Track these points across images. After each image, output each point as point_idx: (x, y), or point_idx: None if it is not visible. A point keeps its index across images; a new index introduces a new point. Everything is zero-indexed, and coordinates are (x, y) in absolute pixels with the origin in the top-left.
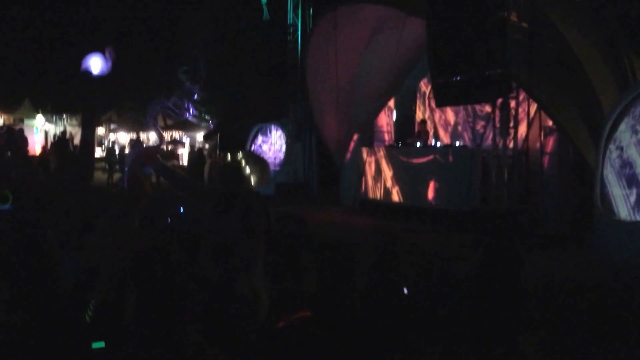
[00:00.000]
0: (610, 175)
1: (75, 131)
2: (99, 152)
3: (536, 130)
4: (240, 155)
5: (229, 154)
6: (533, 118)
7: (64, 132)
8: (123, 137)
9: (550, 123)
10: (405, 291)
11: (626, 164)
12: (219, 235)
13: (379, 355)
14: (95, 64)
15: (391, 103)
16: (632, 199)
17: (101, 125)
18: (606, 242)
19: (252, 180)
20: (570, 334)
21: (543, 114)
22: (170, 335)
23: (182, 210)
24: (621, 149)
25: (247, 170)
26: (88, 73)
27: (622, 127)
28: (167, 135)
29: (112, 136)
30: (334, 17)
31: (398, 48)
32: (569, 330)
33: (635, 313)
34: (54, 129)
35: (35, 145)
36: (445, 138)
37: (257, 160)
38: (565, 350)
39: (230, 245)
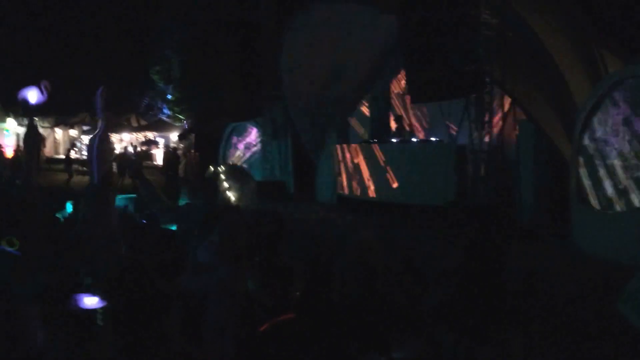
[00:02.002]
0: (585, 168)
1: (47, 133)
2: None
3: (511, 124)
4: (222, 169)
5: (211, 167)
6: (507, 112)
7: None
8: None
9: (524, 117)
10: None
11: (599, 156)
12: (202, 256)
13: (361, 354)
14: (32, 95)
15: (366, 100)
16: (607, 190)
17: (73, 127)
18: (582, 233)
19: (233, 196)
20: (550, 325)
21: (517, 108)
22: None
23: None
24: (594, 141)
25: (228, 186)
26: (25, 102)
27: (595, 120)
28: (141, 136)
29: (84, 138)
30: (308, 15)
31: (372, 45)
32: (549, 321)
33: (610, 302)
34: (25, 132)
35: (7, 148)
36: (421, 134)
37: (240, 176)
38: (547, 341)
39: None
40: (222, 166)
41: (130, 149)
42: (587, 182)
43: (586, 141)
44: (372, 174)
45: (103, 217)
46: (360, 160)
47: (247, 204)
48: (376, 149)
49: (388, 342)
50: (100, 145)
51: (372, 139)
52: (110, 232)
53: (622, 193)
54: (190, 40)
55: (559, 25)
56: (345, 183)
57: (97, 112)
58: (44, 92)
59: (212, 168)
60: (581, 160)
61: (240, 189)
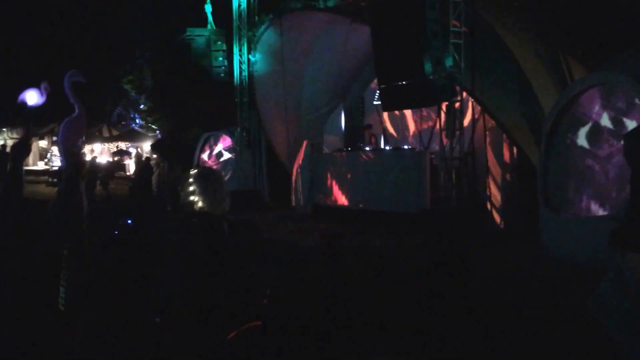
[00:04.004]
0: (552, 174)
1: None
2: (41, 165)
3: (481, 132)
4: (191, 173)
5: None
6: (477, 120)
7: (4, 146)
8: None
9: (494, 124)
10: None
11: (565, 162)
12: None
13: None
14: (31, 97)
15: (340, 108)
16: (572, 196)
17: (43, 138)
18: (550, 238)
19: (201, 201)
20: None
21: (487, 116)
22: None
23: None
24: (560, 148)
25: (193, 189)
26: (24, 104)
27: (561, 126)
28: (112, 146)
29: (54, 149)
30: (280, 23)
31: (345, 53)
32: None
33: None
34: None
35: None
36: (393, 141)
37: (209, 181)
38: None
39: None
40: (192, 170)
41: (101, 159)
42: (553, 188)
43: (552, 147)
44: (345, 182)
45: (72, 201)
46: (334, 169)
47: (219, 210)
48: (350, 157)
49: (357, 348)
50: (65, 129)
51: (346, 148)
52: (78, 216)
53: (587, 198)
54: (162, 49)
55: (526, 35)
56: (320, 191)
57: (69, 98)
58: (44, 94)
59: (180, 171)
60: (548, 165)
61: (209, 193)
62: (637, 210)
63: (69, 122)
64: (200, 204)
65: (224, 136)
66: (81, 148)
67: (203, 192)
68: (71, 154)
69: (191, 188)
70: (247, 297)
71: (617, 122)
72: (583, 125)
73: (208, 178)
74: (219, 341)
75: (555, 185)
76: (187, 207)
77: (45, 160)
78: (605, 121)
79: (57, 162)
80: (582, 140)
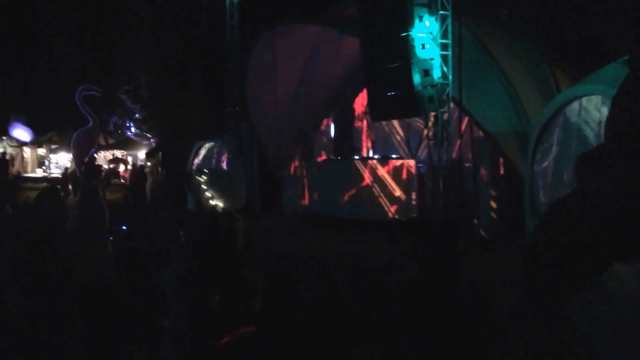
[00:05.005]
0: (538, 183)
1: (15, 153)
2: (40, 172)
3: (468, 141)
4: (204, 178)
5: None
6: (465, 130)
7: (4, 154)
8: (64, 157)
9: (481, 134)
10: None
11: (551, 171)
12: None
13: None
14: (22, 135)
15: (330, 117)
16: None
17: (42, 146)
18: None
19: (219, 201)
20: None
21: (474, 126)
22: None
23: (124, 228)
24: (547, 157)
25: (211, 195)
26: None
27: (547, 136)
28: (108, 154)
29: (52, 157)
30: (272, 36)
31: (336, 64)
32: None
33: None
34: None
35: None
36: (381, 151)
37: (224, 180)
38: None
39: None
40: (203, 175)
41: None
42: (539, 196)
43: (539, 156)
44: (335, 191)
45: (88, 203)
46: (324, 177)
47: (239, 203)
48: (339, 165)
49: (348, 355)
50: (77, 139)
51: (336, 156)
52: (94, 218)
53: None
54: (157, 60)
55: (513, 46)
56: (310, 199)
57: (80, 110)
58: (29, 129)
59: (195, 177)
60: (534, 174)
61: (228, 193)
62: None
63: (83, 132)
64: (220, 204)
65: (217, 144)
66: (95, 157)
67: (220, 195)
68: (85, 163)
69: (208, 194)
70: (241, 303)
71: (601, 132)
72: (569, 135)
73: (219, 181)
74: (213, 346)
75: (541, 193)
76: (211, 210)
77: (43, 167)
78: (590, 132)
79: (55, 170)
80: (568, 149)
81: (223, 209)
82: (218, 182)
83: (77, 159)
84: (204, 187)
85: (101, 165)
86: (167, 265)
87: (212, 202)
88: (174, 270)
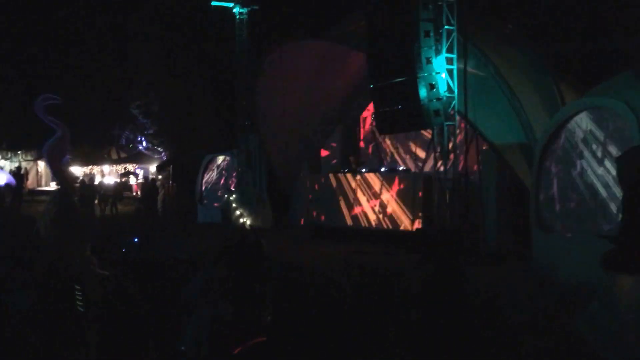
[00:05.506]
0: (545, 195)
1: (30, 166)
2: (53, 186)
3: (474, 153)
4: (233, 197)
5: (225, 195)
6: (470, 142)
7: (19, 168)
8: (77, 171)
9: (487, 147)
10: None
11: (557, 183)
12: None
13: None
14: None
15: (338, 131)
16: (564, 216)
17: None
18: (542, 258)
19: (248, 219)
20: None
21: (480, 139)
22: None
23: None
24: (552, 169)
25: (240, 212)
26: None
27: (552, 149)
28: (120, 168)
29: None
30: (281, 52)
31: (343, 78)
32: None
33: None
34: (9, 165)
35: None
36: (388, 163)
37: (253, 200)
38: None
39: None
40: (234, 194)
41: (107, 180)
42: (546, 208)
43: (544, 168)
44: (342, 202)
45: (65, 218)
46: (332, 189)
47: (263, 225)
48: (346, 178)
49: None
50: (48, 149)
51: (343, 169)
52: (72, 231)
53: (578, 218)
54: (168, 76)
55: (518, 59)
56: (318, 210)
57: (43, 121)
58: (8, 174)
59: (225, 196)
60: (540, 186)
61: (255, 212)
62: (628, 232)
63: (52, 143)
64: (248, 222)
65: (227, 158)
66: (67, 165)
67: (248, 213)
68: (60, 173)
69: (238, 212)
70: (253, 313)
71: (606, 144)
72: (574, 147)
73: (247, 200)
74: (227, 355)
75: (547, 206)
76: (240, 226)
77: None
78: (596, 144)
79: None
80: (573, 161)
81: (250, 225)
82: (248, 201)
83: (51, 169)
84: (234, 205)
85: (74, 173)
86: (193, 274)
87: (242, 220)
88: (201, 278)
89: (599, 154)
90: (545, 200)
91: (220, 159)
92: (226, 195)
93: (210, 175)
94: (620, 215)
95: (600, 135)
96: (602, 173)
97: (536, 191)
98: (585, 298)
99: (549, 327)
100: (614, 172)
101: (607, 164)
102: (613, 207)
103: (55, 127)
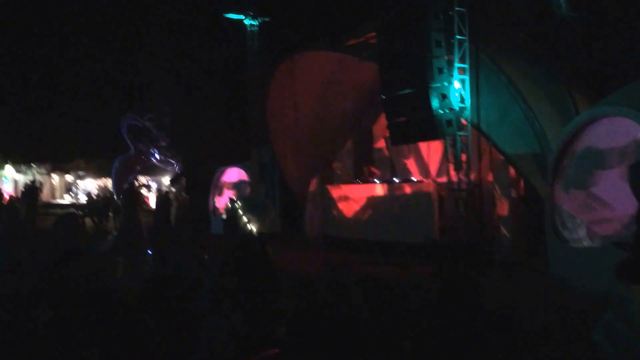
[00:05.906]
0: (560, 205)
1: (44, 179)
2: (67, 199)
3: (487, 164)
4: (239, 204)
5: (229, 203)
6: (484, 153)
7: (33, 181)
8: (91, 184)
9: (500, 157)
10: None
11: (573, 193)
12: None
13: None
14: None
15: (350, 141)
16: (580, 226)
17: (69, 173)
18: (559, 268)
19: (254, 225)
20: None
21: (493, 149)
22: None
23: (149, 252)
24: (567, 179)
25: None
26: None
27: (567, 159)
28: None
29: (80, 183)
30: (292, 63)
31: (355, 89)
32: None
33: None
34: (23, 178)
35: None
36: (401, 174)
37: (258, 207)
38: None
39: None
40: (238, 202)
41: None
42: (561, 219)
43: (559, 178)
44: (356, 213)
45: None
46: (345, 200)
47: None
48: (360, 188)
49: None
50: (118, 166)
51: (356, 180)
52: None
53: (594, 228)
54: (180, 88)
55: (530, 68)
56: (331, 222)
57: (124, 137)
58: None
59: (229, 204)
60: (555, 196)
61: (261, 218)
62: None
63: (123, 159)
64: (255, 229)
65: (239, 170)
66: (134, 183)
67: (256, 220)
68: (125, 189)
69: (245, 219)
70: (265, 325)
71: (621, 153)
72: (588, 156)
73: (254, 208)
74: None
75: (563, 216)
76: (247, 233)
77: (71, 194)
78: (610, 152)
79: (82, 196)
80: (587, 171)
81: (257, 232)
82: (254, 209)
83: (116, 185)
84: (241, 212)
85: (140, 191)
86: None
87: (249, 227)
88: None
89: (614, 163)
90: (559, 209)
91: (233, 170)
92: (228, 204)
93: (223, 188)
94: (636, 225)
95: (614, 144)
96: (617, 182)
97: (550, 201)
98: (602, 309)
99: (566, 337)
100: None
101: (622, 173)
102: (629, 217)
103: (130, 144)
